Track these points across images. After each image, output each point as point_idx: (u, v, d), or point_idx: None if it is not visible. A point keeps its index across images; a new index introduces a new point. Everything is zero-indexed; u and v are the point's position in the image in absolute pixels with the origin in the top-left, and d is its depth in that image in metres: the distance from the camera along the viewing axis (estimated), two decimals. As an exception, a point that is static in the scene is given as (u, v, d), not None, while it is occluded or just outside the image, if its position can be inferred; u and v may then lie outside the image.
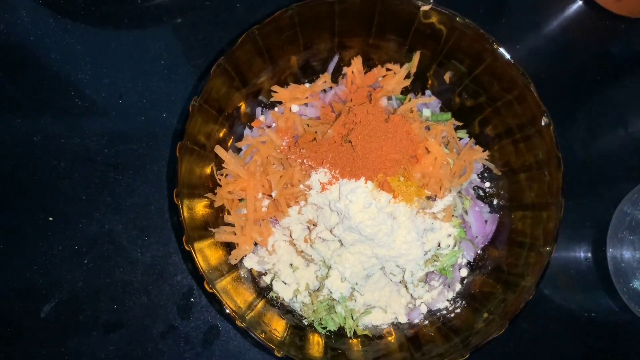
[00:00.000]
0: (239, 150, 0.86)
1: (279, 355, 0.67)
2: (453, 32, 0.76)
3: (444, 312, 0.82)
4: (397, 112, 0.83)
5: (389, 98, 0.88)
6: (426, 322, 0.81)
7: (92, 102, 0.94)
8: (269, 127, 0.87)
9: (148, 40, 0.97)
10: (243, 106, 0.85)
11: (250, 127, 0.88)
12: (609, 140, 0.98)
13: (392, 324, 0.82)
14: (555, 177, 0.71)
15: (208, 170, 0.80)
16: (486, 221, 0.85)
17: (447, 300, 0.83)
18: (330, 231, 0.75)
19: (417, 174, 0.78)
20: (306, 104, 0.87)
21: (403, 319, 0.82)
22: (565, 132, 0.95)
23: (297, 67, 0.87)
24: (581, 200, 0.94)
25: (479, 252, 0.85)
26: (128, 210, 0.90)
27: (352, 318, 0.80)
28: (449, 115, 0.88)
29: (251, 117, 0.88)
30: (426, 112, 0.88)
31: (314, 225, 0.78)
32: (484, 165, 0.87)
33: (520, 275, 0.73)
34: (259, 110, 0.88)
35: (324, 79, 0.88)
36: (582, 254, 0.93)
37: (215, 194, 0.80)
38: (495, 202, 0.87)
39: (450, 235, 0.80)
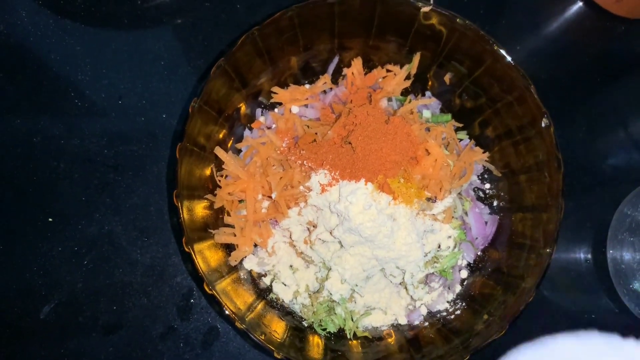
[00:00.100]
0: (238, 151, 0.86)
1: (279, 356, 0.66)
2: (453, 33, 0.76)
3: (444, 313, 0.82)
4: (397, 113, 0.83)
5: (389, 99, 0.87)
6: (426, 323, 0.81)
7: (91, 103, 0.94)
8: (268, 128, 0.87)
9: (148, 41, 0.97)
10: (243, 107, 0.85)
11: (250, 129, 0.88)
12: (609, 141, 0.98)
13: (392, 325, 0.82)
14: (556, 178, 0.71)
15: (208, 172, 0.80)
16: (486, 223, 0.85)
17: (447, 301, 0.82)
18: (330, 233, 0.75)
19: (417, 176, 0.78)
20: (306, 105, 0.87)
21: (403, 321, 0.82)
22: (565, 133, 0.95)
23: (297, 68, 0.87)
24: (581, 202, 0.93)
25: (479, 253, 0.85)
26: (128, 211, 0.90)
27: (352, 319, 0.80)
28: (449, 116, 0.88)
29: (251, 118, 0.88)
30: (426, 114, 0.88)
31: (313, 226, 0.78)
32: (484, 166, 0.87)
33: (521, 277, 0.73)
34: (259, 111, 0.88)
35: (324, 80, 0.88)
36: (582, 255, 0.93)
37: (215, 195, 0.80)
38: (495, 203, 0.87)
39: (450, 236, 0.80)
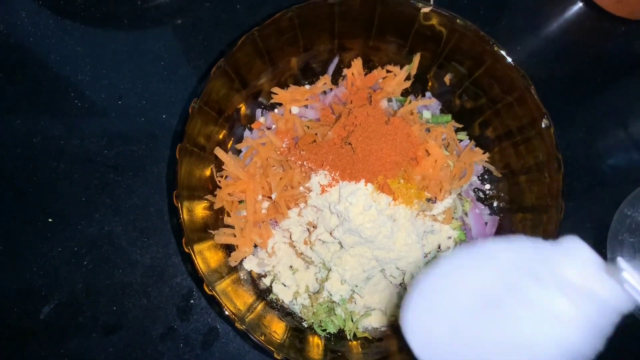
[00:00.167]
0: (238, 152, 0.86)
1: (279, 357, 0.66)
2: (453, 34, 0.76)
3: (444, 314, 0.82)
4: (397, 114, 0.83)
5: (389, 100, 0.87)
6: (426, 324, 0.81)
7: (91, 103, 0.94)
8: (269, 128, 0.87)
9: (148, 42, 0.97)
10: (243, 108, 0.85)
11: (250, 129, 0.88)
12: (609, 142, 0.98)
13: (392, 326, 0.82)
14: (556, 179, 0.71)
15: (208, 172, 0.80)
16: (486, 223, 0.85)
17: (447, 302, 0.82)
18: (330, 233, 0.75)
19: (417, 176, 0.78)
20: (306, 106, 0.86)
21: (403, 321, 0.81)
22: (565, 133, 0.95)
23: (297, 68, 0.87)
24: (581, 202, 0.93)
25: (479, 254, 0.85)
26: (128, 211, 0.90)
27: (352, 320, 0.80)
28: (449, 117, 0.88)
29: (251, 118, 0.88)
30: (426, 114, 0.88)
31: (313, 227, 0.78)
32: (484, 167, 0.87)
33: (521, 278, 0.73)
34: (259, 111, 0.88)
35: (324, 81, 0.88)
36: (582, 256, 0.93)
37: (215, 195, 0.80)
38: (495, 204, 0.87)
39: (450, 237, 0.80)
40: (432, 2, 0.75)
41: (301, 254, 0.80)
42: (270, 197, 0.80)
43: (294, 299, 0.82)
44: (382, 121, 0.77)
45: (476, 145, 0.87)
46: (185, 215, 0.70)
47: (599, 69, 1.01)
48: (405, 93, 0.90)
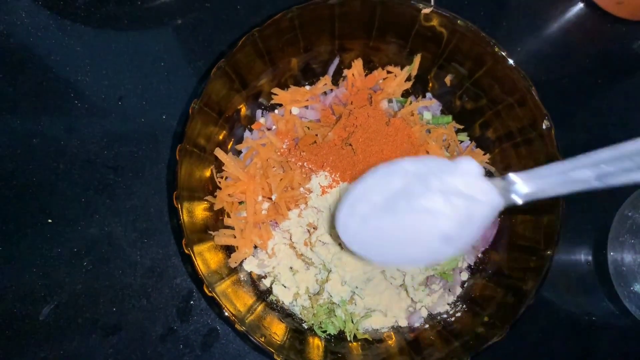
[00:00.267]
0: (239, 152, 0.86)
1: (279, 359, 0.66)
2: (454, 34, 0.76)
3: (445, 315, 0.81)
4: (398, 115, 0.82)
5: (390, 101, 0.87)
6: (426, 325, 0.81)
7: (91, 104, 0.94)
8: (269, 129, 0.87)
9: (148, 42, 0.97)
10: (243, 108, 0.85)
11: (251, 130, 0.88)
12: (610, 143, 0.97)
13: (393, 327, 0.82)
14: (557, 180, 0.71)
15: (208, 173, 0.80)
16: (487, 224, 0.85)
17: (448, 304, 0.82)
18: (331, 235, 0.75)
19: (418, 177, 0.78)
20: (306, 107, 0.86)
21: (403, 323, 0.81)
22: (566, 135, 0.95)
23: (298, 69, 0.87)
24: (582, 204, 0.93)
25: (479, 255, 0.85)
26: (127, 212, 0.90)
27: (352, 322, 0.80)
28: (449, 118, 0.87)
29: (251, 119, 0.88)
30: (427, 115, 0.87)
31: (314, 228, 0.78)
32: (484, 168, 0.87)
33: (521, 279, 0.73)
34: (259, 112, 0.88)
35: (325, 82, 0.88)
36: (583, 257, 0.93)
37: (215, 196, 0.79)
38: (495, 205, 0.86)
39: (450, 238, 0.80)
40: (432, 3, 0.75)
41: (301, 255, 0.80)
42: (270, 198, 0.80)
43: (294, 300, 0.81)
44: (382, 122, 0.77)
45: (477, 147, 0.87)
46: (185, 216, 0.70)
47: (600, 70, 1.00)
48: (405, 94, 0.89)
